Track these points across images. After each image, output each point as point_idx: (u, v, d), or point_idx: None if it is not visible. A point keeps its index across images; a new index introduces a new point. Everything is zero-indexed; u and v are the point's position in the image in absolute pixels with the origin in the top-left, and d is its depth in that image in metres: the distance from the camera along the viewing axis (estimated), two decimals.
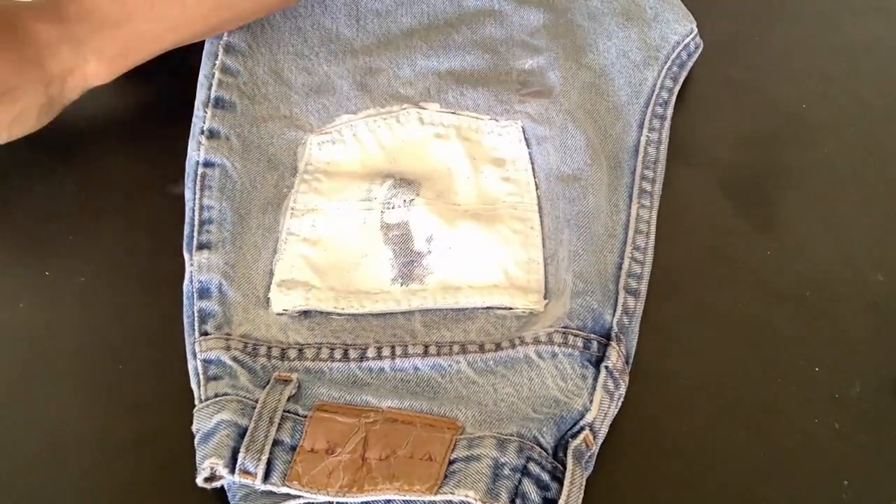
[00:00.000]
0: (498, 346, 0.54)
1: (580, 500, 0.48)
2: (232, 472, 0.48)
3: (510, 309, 0.56)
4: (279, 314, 0.56)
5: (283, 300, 0.57)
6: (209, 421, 0.50)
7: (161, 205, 0.62)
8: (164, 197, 0.63)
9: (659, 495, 0.51)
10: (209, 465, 0.48)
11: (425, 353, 0.54)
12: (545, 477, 0.48)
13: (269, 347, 0.54)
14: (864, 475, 0.51)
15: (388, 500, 0.48)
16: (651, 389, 0.54)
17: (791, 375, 0.55)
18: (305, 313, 0.56)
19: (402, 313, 0.57)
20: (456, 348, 0.54)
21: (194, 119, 0.64)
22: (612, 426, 0.52)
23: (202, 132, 0.63)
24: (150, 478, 0.51)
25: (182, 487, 0.50)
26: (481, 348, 0.54)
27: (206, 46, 0.68)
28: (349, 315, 0.57)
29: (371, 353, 0.54)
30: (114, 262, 0.60)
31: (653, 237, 0.60)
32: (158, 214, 0.62)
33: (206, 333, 0.55)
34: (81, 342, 0.56)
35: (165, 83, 0.70)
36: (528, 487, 0.47)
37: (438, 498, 0.47)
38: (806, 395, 0.55)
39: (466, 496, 0.47)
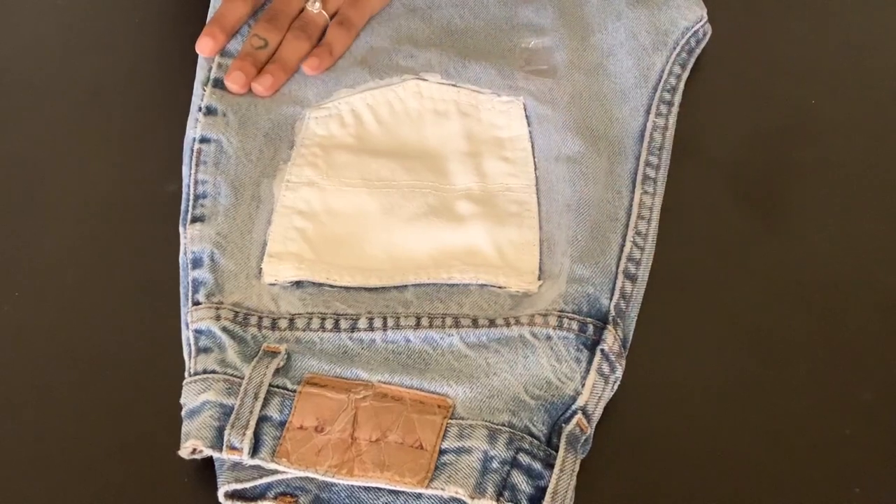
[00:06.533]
0: (492, 323, 0.54)
1: (571, 486, 0.48)
2: (217, 450, 0.48)
3: (504, 287, 0.56)
4: (271, 285, 0.56)
5: (274, 271, 0.57)
6: (196, 399, 0.50)
7: (157, 204, 0.62)
8: (161, 196, 0.62)
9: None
10: (191, 445, 0.49)
11: (417, 325, 0.54)
12: (537, 466, 0.48)
13: (261, 317, 0.54)
14: (875, 483, 0.50)
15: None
16: (654, 392, 0.54)
17: (800, 379, 0.54)
18: (298, 284, 0.56)
19: (396, 287, 0.56)
20: (449, 321, 0.54)
21: (193, 98, 0.64)
22: (613, 428, 0.52)
23: (200, 109, 0.63)
24: (144, 479, 0.51)
25: (176, 489, 0.50)
26: (475, 323, 0.54)
27: None
28: (341, 287, 0.56)
29: (363, 323, 0.54)
30: (106, 262, 0.60)
31: (655, 224, 0.59)
32: (154, 214, 0.61)
33: (197, 303, 0.55)
34: (72, 343, 0.56)
35: (166, 82, 0.69)
36: (517, 479, 0.48)
37: (428, 492, 0.47)
38: (816, 399, 0.54)
39: (456, 493, 0.47)
